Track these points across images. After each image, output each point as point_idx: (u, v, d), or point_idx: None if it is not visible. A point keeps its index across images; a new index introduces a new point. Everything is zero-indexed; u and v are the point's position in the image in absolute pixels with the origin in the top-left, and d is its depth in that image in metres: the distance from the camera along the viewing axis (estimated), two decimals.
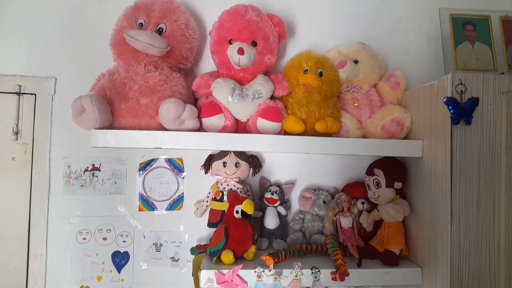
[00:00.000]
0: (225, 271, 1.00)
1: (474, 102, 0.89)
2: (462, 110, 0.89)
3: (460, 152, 0.92)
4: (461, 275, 0.92)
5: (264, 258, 1.03)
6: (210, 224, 1.21)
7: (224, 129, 1.05)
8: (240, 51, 1.05)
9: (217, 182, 1.21)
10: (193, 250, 1.24)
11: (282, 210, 1.22)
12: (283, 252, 1.09)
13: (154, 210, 1.26)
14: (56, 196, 1.23)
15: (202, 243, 1.23)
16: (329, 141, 1.01)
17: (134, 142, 0.98)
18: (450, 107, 0.89)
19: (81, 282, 1.23)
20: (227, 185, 1.18)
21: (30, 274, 1.21)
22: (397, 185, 1.08)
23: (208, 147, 1.00)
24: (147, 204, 1.26)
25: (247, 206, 1.06)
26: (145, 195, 1.26)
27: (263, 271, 1.01)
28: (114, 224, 1.25)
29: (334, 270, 1.02)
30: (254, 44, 1.10)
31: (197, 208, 1.24)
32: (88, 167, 1.24)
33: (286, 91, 1.13)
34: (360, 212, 1.18)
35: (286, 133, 1.07)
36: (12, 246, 1.20)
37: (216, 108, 1.05)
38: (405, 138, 1.12)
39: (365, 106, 1.13)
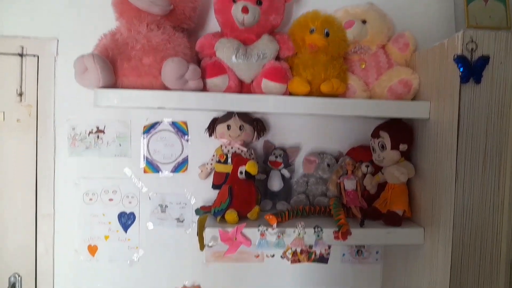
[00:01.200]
0: (229, 229, 1.02)
1: (484, 60, 0.87)
2: (471, 69, 0.86)
3: (468, 111, 0.90)
4: (463, 233, 0.93)
5: (267, 218, 1.05)
6: (214, 186, 1.22)
7: (228, 90, 1.04)
8: (245, 10, 1.02)
9: (221, 145, 1.21)
10: (197, 211, 1.26)
11: (286, 172, 1.22)
12: (287, 212, 1.10)
13: (159, 172, 1.27)
14: (61, 158, 1.24)
15: (207, 205, 1.25)
16: (335, 102, 1.00)
17: (137, 102, 0.98)
18: (459, 65, 0.86)
19: (89, 241, 1.27)
20: (231, 148, 1.19)
21: (38, 233, 1.25)
22: (403, 147, 1.07)
23: (212, 108, 0.99)
24: (152, 166, 1.27)
25: (251, 167, 1.06)
26: (150, 157, 1.27)
27: (267, 230, 1.03)
28: (120, 186, 1.27)
29: (337, 229, 1.03)
30: (259, 2, 1.07)
31: (202, 171, 1.25)
32: (92, 129, 1.24)
33: (292, 51, 1.10)
34: (364, 175, 1.18)
35: (291, 95, 1.05)
36: (20, 206, 1.23)
37: (220, 69, 1.03)
38: (412, 100, 1.10)
39: (372, 68, 1.10)
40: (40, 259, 1.25)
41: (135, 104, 0.98)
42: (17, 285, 1.24)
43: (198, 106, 0.98)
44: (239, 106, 0.99)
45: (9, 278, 1.24)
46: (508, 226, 0.93)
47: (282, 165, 1.22)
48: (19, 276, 1.24)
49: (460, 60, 0.87)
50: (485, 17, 1.03)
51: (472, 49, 0.88)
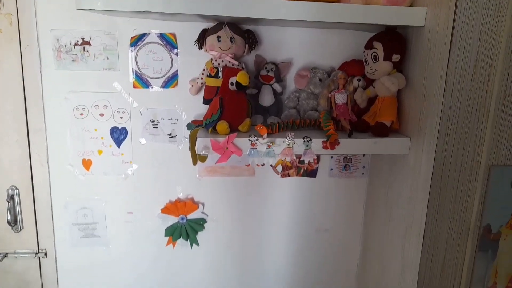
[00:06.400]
0: (220, 139, 1.04)
1: None
2: None
3: (463, 15, 0.88)
4: (447, 141, 0.96)
5: (258, 128, 1.06)
6: (205, 101, 1.22)
7: None
8: None
9: (211, 58, 1.18)
10: (189, 126, 1.27)
11: (277, 87, 1.21)
12: (277, 124, 1.12)
13: (149, 87, 1.26)
14: (48, 71, 1.21)
15: (199, 119, 1.25)
16: (329, 7, 0.96)
17: (122, 5, 0.93)
18: None
19: (82, 155, 1.29)
20: (222, 61, 1.16)
21: (32, 147, 1.25)
22: (395, 57, 1.06)
23: (203, 12, 0.94)
24: (141, 81, 1.25)
25: (242, 77, 1.05)
26: (139, 71, 1.24)
27: (257, 140, 1.05)
28: (110, 101, 1.26)
29: (326, 139, 1.06)
30: None
31: (192, 86, 1.24)
32: (78, 41, 1.20)
33: None
34: (356, 89, 1.18)
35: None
36: (10, 120, 1.22)
37: None
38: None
39: None
40: (36, 173, 1.28)
41: (120, 7, 0.93)
42: (15, 197, 1.28)
43: (186, 10, 0.93)
44: (229, 11, 0.95)
45: (7, 191, 1.28)
46: (491, 133, 0.96)
47: (274, 80, 1.21)
48: (16, 188, 1.28)
49: None
50: None
51: None
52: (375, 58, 1.08)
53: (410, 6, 1.04)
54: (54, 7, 1.16)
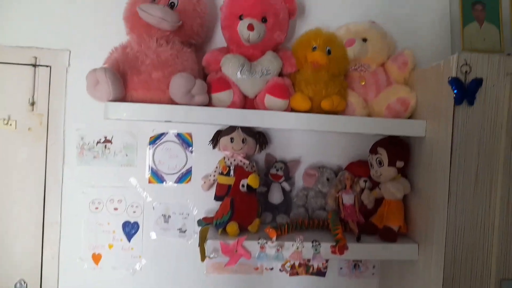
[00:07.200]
0: (230, 242, 1.05)
1: (477, 82, 0.91)
2: (465, 91, 0.90)
3: (461, 132, 0.94)
4: (455, 252, 0.96)
5: (267, 231, 1.07)
6: (216, 198, 1.25)
7: (232, 105, 1.08)
8: (250, 27, 1.07)
9: (224, 157, 1.24)
10: (199, 222, 1.29)
11: (286, 186, 1.26)
12: (286, 225, 1.13)
13: (163, 183, 1.31)
14: (70, 167, 1.28)
15: (209, 216, 1.28)
16: (335, 119, 1.04)
17: (146, 115, 1.01)
18: (453, 87, 0.90)
19: (93, 249, 1.29)
20: (234, 160, 1.22)
21: (45, 241, 1.27)
22: (399, 164, 1.11)
23: (217, 122, 1.03)
24: (156, 176, 1.30)
25: (252, 180, 1.10)
26: (155, 167, 1.30)
27: (266, 243, 1.06)
28: (125, 195, 1.30)
29: (334, 244, 1.06)
30: (264, 20, 1.11)
31: (205, 182, 1.28)
32: (100, 139, 1.28)
33: (294, 68, 1.14)
34: (362, 190, 1.21)
35: (293, 110, 1.09)
36: (28, 214, 1.26)
37: (225, 84, 1.08)
38: (410, 117, 1.13)
39: (371, 85, 1.14)
40: (46, 266, 1.27)
41: (144, 117, 1.01)
42: None
43: (203, 120, 1.02)
44: (243, 121, 1.03)
45: (15, 284, 1.26)
46: (498, 246, 0.96)
47: (283, 178, 1.25)
48: (24, 282, 1.27)
49: (454, 82, 0.91)
50: (479, 40, 1.08)
51: (466, 71, 0.92)
52: (380, 163, 1.13)
53: (409, 118, 1.11)
54: (82, 109, 1.26)
